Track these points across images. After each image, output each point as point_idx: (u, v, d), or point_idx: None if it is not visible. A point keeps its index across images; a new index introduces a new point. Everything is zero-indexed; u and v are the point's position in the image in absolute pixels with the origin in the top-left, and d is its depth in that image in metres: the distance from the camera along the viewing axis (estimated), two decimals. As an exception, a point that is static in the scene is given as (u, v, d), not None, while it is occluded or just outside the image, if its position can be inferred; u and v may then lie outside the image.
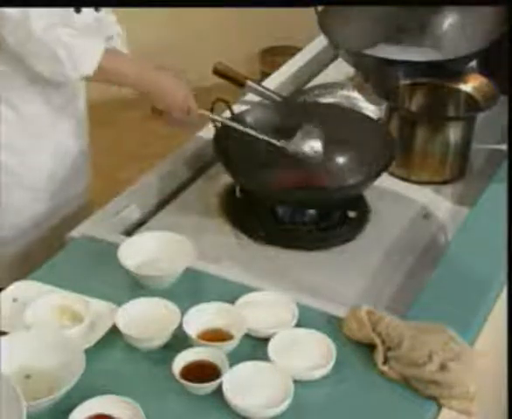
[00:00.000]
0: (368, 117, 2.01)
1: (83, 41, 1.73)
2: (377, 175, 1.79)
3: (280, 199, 1.83)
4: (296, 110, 2.00)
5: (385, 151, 1.83)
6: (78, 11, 1.78)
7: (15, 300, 1.52)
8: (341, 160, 1.92)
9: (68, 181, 1.93)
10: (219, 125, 1.90)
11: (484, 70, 2.17)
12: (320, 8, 2.32)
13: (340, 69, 2.40)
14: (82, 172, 1.99)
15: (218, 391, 1.34)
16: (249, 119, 1.93)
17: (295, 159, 1.87)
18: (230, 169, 1.81)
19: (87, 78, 1.76)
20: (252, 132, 1.84)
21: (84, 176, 2.00)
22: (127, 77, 1.81)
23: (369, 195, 1.87)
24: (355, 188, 1.84)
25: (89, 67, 1.72)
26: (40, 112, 1.84)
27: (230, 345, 1.42)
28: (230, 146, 1.84)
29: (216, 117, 1.89)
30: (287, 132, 1.90)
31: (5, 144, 1.81)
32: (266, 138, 1.84)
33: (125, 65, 1.82)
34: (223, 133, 1.87)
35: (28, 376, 1.36)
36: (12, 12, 1.66)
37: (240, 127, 1.84)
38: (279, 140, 1.84)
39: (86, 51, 1.73)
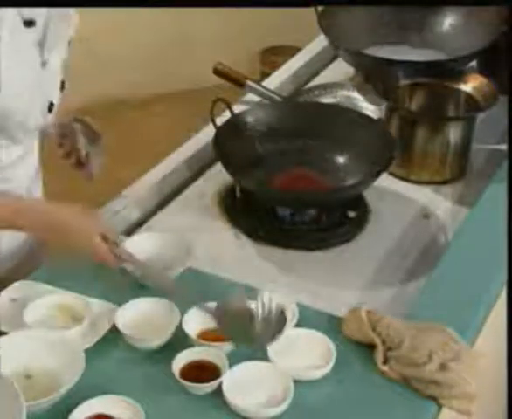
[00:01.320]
0: (368, 117, 2.01)
1: None
2: (377, 175, 1.79)
3: (279, 199, 1.83)
4: (296, 110, 2.00)
5: (385, 151, 1.83)
6: (50, 110, 1.60)
7: (14, 300, 1.52)
8: (341, 160, 1.92)
9: None
10: (218, 125, 1.90)
11: (484, 70, 2.17)
12: (320, 8, 2.32)
13: (340, 69, 2.40)
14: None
15: (218, 391, 1.34)
16: (249, 119, 1.93)
17: (295, 159, 1.88)
18: (230, 169, 1.81)
19: None
20: None
21: None
22: (4, 223, 1.50)
23: (369, 195, 1.87)
24: (355, 188, 1.84)
25: None
26: None
27: (230, 345, 1.42)
28: (230, 146, 1.83)
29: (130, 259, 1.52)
30: (287, 132, 1.90)
31: None
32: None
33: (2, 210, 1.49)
34: (223, 133, 1.87)
35: (28, 376, 1.36)
36: None
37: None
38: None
39: None
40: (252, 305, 1.43)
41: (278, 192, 1.84)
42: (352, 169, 1.89)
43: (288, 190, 1.85)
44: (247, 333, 1.38)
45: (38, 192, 1.80)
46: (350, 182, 1.86)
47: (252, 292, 1.45)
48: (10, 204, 1.50)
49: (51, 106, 1.62)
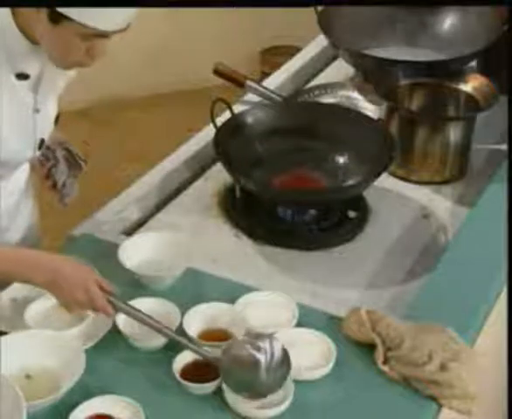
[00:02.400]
0: (368, 117, 2.01)
1: None
2: (377, 175, 1.79)
3: (279, 199, 1.83)
4: (296, 110, 2.00)
5: (385, 151, 1.83)
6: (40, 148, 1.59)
7: (14, 300, 1.52)
8: (341, 160, 1.92)
9: None
10: (218, 125, 1.90)
11: (484, 70, 2.17)
12: (320, 8, 2.32)
13: (340, 69, 2.40)
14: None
15: (218, 391, 1.34)
16: (249, 119, 1.93)
17: (295, 159, 1.88)
18: (230, 169, 1.81)
19: None
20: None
21: None
22: (11, 277, 1.48)
23: (369, 195, 1.87)
24: (355, 189, 1.84)
25: None
26: None
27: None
28: (230, 146, 1.84)
29: (125, 308, 1.45)
30: (287, 132, 1.91)
31: None
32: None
33: (8, 264, 1.45)
34: (223, 133, 1.87)
35: (28, 376, 1.36)
36: None
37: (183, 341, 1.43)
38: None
39: None
40: (255, 352, 1.37)
41: (278, 192, 1.84)
42: (352, 169, 1.89)
43: (288, 190, 1.85)
44: (252, 384, 1.34)
45: (27, 207, 1.79)
46: (350, 182, 1.86)
47: (253, 337, 1.40)
48: (9, 256, 1.46)
49: (41, 142, 1.62)
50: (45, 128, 1.62)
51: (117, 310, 1.43)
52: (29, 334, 1.41)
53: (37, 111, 1.57)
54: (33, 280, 1.43)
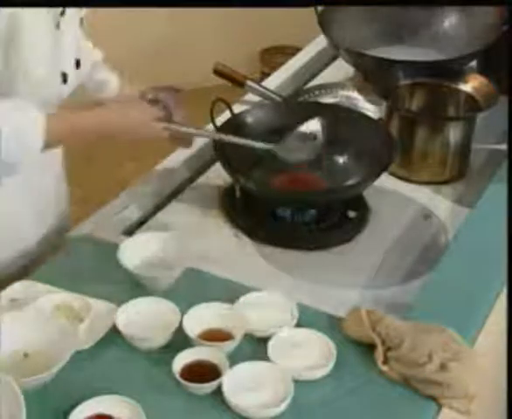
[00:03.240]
0: (368, 117, 2.01)
1: (21, 115, 1.50)
2: (378, 175, 1.79)
3: (279, 200, 1.83)
4: (296, 110, 2.00)
5: (385, 151, 1.83)
6: (64, 81, 1.63)
7: (14, 300, 1.52)
8: (341, 160, 1.92)
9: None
10: (218, 125, 1.90)
11: (484, 70, 2.17)
12: (320, 8, 2.32)
13: (340, 69, 2.40)
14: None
15: (218, 391, 1.34)
16: (249, 119, 1.93)
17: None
18: (229, 169, 1.81)
19: (44, 151, 1.53)
20: (242, 140, 1.79)
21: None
22: (88, 131, 1.61)
23: (369, 195, 1.87)
24: (355, 189, 1.84)
25: (37, 141, 1.51)
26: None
27: (230, 345, 1.42)
28: (229, 146, 1.83)
29: (202, 131, 1.82)
30: (286, 132, 1.90)
31: None
32: (255, 145, 1.79)
33: (81, 120, 1.60)
34: (223, 133, 1.87)
35: (26, 354, 1.38)
36: None
37: (227, 138, 1.78)
38: (270, 143, 1.78)
39: (28, 125, 1.49)
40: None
41: (278, 192, 1.84)
42: (352, 169, 1.89)
43: (288, 191, 1.85)
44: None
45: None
46: (350, 182, 1.86)
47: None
48: (92, 115, 1.62)
49: (64, 76, 1.63)
50: (66, 58, 1.64)
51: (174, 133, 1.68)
52: (27, 314, 1.43)
53: (57, 26, 1.57)
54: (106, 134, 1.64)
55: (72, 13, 1.62)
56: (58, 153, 1.81)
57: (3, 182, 1.55)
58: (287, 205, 1.82)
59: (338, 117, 1.94)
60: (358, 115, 2.00)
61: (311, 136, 1.82)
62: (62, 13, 1.58)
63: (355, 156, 1.91)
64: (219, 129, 1.88)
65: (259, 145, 1.78)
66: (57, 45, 1.59)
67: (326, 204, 1.84)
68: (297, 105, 2.12)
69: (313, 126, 1.84)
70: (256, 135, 1.91)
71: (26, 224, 1.74)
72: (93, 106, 1.67)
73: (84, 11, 1.68)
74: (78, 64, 1.68)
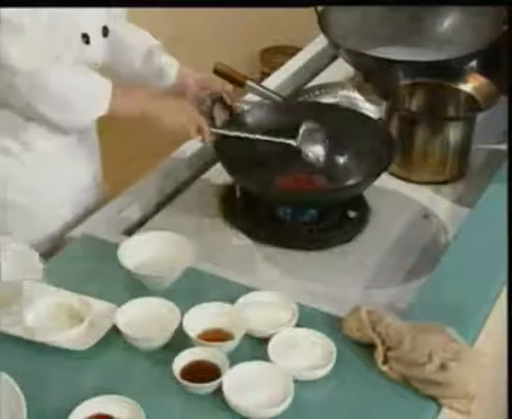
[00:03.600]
0: (367, 117, 2.01)
1: (92, 81, 1.72)
2: (377, 175, 1.79)
3: (279, 200, 1.83)
4: (296, 110, 2.00)
5: (385, 151, 1.84)
6: (87, 42, 1.74)
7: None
8: (340, 160, 1.93)
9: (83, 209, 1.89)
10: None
11: (484, 70, 2.17)
12: (320, 8, 2.32)
13: (340, 69, 2.40)
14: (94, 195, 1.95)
15: (218, 391, 1.34)
16: (249, 119, 1.93)
17: (295, 159, 1.88)
18: (229, 169, 1.81)
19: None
20: (259, 136, 1.85)
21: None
22: (132, 110, 1.77)
23: (369, 195, 1.87)
24: (354, 189, 1.84)
25: (101, 108, 1.71)
26: (54, 148, 1.80)
27: (230, 345, 1.42)
28: (229, 145, 1.84)
29: (221, 131, 1.86)
30: (286, 132, 1.90)
31: (19, 185, 1.78)
32: (277, 140, 1.85)
33: (130, 100, 1.77)
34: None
35: None
36: (24, 66, 1.62)
37: (245, 135, 1.85)
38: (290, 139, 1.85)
39: (97, 92, 1.71)
40: None
41: (278, 193, 1.84)
42: (352, 169, 1.89)
43: (288, 191, 1.85)
44: None
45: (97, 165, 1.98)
46: (350, 182, 1.86)
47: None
48: (139, 97, 1.78)
49: (85, 37, 1.70)
50: (86, 15, 1.72)
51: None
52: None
53: None
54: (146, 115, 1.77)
55: None
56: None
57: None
58: (288, 205, 1.82)
59: (338, 117, 1.95)
60: (358, 115, 2.00)
61: (319, 132, 1.86)
62: None
63: (354, 156, 1.91)
64: (219, 128, 1.88)
65: (279, 140, 1.84)
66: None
67: (326, 205, 1.84)
68: (297, 105, 2.12)
69: (312, 125, 1.86)
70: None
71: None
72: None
73: None
74: (106, 31, 1.76)
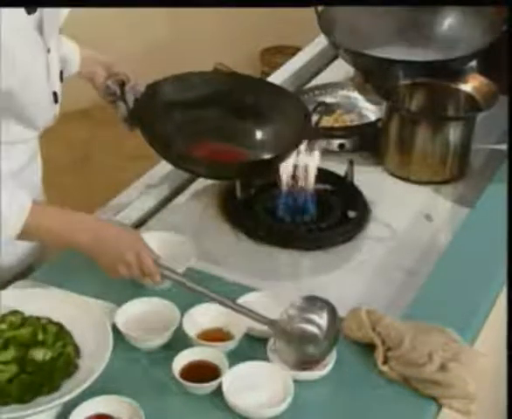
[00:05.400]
0: (285, 91, 1.97)
1: (6, 199, 1.40)
2: (295, 147, 1.76)
3: (186, 167, 1.80)
4: (213, 82, 1.93)
5: (302, 124, 1.82)
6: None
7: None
8: (259, 133, 1.90)
9: None
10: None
11: (484, 70, 2.17)
12: (320, 8, 2.32)
13: (340, 69, 2.40)
14: None
15: (218, 391, 1.34)
16: (167, 89, 1.87)
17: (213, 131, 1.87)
18: (149, 139, 1.76)
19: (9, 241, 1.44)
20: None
21: None
22: (58, 236, 1.46)
23: (369, 195, 1.87)
24: (272, 163, 1.80)
25: (12, 229, 1.41)
26: None
27: (230, 345, 1.42)
28: (149, 114, 1.79)
29: (172, 274, 1.50)
30: (197, 105, 1.87)
31: None
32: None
33: (55, 222, 1.46)
34: (141, 104, 1.82)
35: None
36: None
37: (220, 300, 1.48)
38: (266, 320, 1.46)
39: (10, 209, 1.40)
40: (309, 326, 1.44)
41: (196, 162, 1.79)
42: (270, 143, 1.87)
43: (207, 161, 1.80)
44: (311, 355, 1.41)
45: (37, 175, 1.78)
46: (268, 155, 1.83)
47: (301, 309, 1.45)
48: (54, 213, 1.46)
49: (55, 96, 1.62)
50: (55, 77, 1.62)
51: (163, 277, 1.46)
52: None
53: (48, 51, 1.56)
54: (77, 239, 1.43)
55: (53, 28, 1.58)
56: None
57: None
58: (205, 175, 1.81)
59: (258, 90, 1.92)
60: (278, 89, 1.96)
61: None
62: (48, 50, 1.57)
63: (273, 130, 1.88)
64: (138, 101, 1.82)
65: None
66: (48, 68, 1.58)
67: (244, 177, 1.82)
68: (213, 77, 1.99)
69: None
70: (176, 105, 1.87)
71: None
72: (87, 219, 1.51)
73: (62, 20, 1.64)
74: (61, 75, 1.66)
